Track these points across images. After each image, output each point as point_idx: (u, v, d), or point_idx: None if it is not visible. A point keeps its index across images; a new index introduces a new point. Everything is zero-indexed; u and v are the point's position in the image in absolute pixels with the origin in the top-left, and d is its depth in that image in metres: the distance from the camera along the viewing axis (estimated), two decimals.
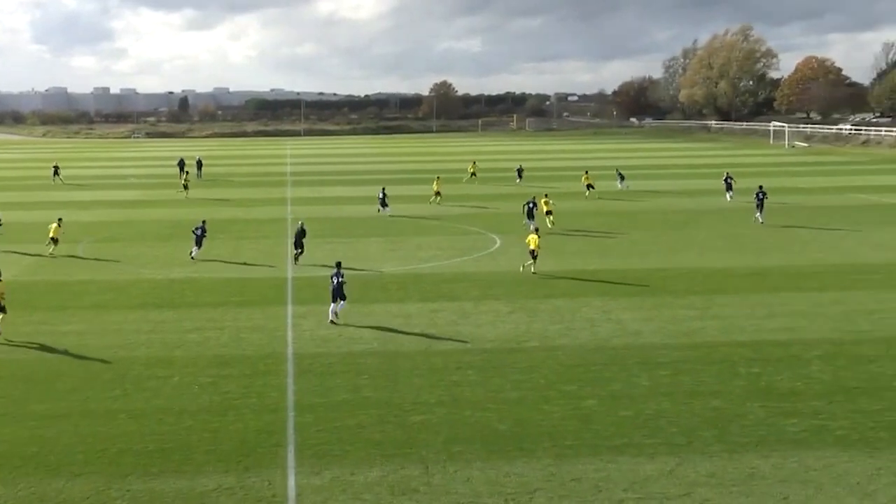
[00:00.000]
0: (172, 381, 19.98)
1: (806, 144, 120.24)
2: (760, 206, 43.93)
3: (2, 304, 23.94)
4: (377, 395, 18.82)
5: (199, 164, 76.78)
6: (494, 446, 16.04)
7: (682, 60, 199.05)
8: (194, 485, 14.69)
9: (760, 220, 43.49)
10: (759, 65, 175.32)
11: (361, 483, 14.62)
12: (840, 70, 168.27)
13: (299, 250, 34.54)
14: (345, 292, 25.09)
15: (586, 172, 58.37)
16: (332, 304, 25.10)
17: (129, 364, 21.30)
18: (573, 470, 15.03)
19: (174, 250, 37.54)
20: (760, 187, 45.54)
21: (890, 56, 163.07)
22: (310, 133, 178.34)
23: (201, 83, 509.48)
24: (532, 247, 31.52)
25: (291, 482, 14.71)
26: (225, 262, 35.01)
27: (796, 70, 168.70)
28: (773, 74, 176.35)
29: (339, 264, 26.14)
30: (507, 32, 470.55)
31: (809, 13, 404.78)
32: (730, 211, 49.12)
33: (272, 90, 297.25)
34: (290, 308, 26.96)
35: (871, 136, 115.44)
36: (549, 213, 43.02)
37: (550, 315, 25.53)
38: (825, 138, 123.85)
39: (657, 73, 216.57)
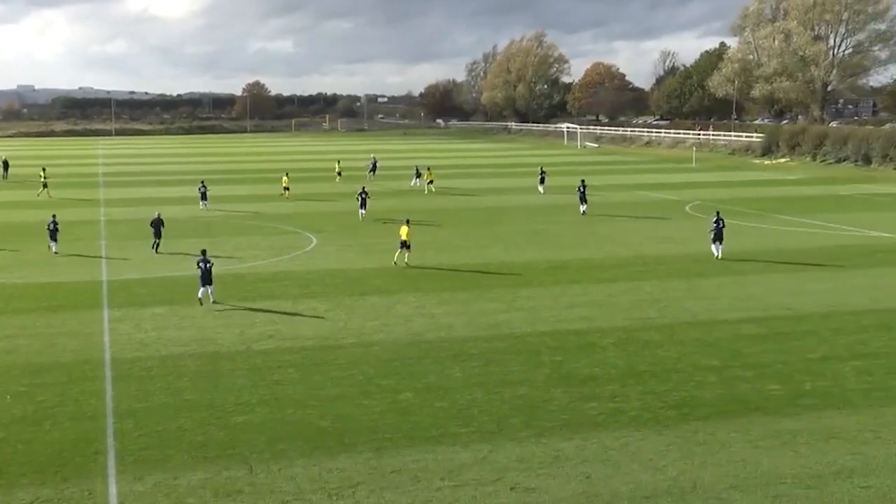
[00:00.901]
0: None
1: (596, 145, 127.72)
2: (583, 198, 48.81)
3: None
4: (198, 398, 18.64)
5: (6, 165, 72.04)
6: (317, 443, 16.23)
7: (483, 64, 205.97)
8: (9, 499, 14.08)
9: (583, 211, 48.45)
10: (553, 69, 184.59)
11: (185, 487, 14.48)
12: (624, 76, 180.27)
13: (158, 240, 36.28)
14: (212, 277, 26.92)
15: (428, 169, 62.98)
16: (202, 289, 26.81)
17: None
18: (393, 462, 15.42)
19: None
20: (582, 181, 50.33)
21: (666, 63, 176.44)
22: (122, 133, 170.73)
23: (4, 80, 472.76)
24: (403, 237, 33.09)
25: (112, 490, 14.38)
26: (36, 265, 33.29)
27: (585, 75, 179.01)
28: (566, 79, 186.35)
29: (204, 251, 27.65)
30: (319, 34, 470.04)
31: (597, 22, 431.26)
32: (531, 208, 51.70)
33: (81, 88, 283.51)
34: (106, 312, 26.07)
35: (653, 138, 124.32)
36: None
37: (367, 312, 26.10)
38: (613, 139, 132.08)
39: (462, 76, 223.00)
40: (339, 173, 69.22)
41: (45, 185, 58.51)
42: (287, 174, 59.40)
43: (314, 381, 19.81)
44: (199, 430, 16.85)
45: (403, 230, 33.44)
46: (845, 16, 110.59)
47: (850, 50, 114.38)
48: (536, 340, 23.07)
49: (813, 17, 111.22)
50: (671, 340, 23.15)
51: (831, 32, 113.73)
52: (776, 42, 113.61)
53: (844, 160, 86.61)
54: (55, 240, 35.75)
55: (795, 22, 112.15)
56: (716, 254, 35.06)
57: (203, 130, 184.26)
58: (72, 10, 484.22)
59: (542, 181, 60.62)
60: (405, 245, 33.17)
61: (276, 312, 25.97)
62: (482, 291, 28.95)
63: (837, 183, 69.85)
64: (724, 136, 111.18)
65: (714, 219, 35.82)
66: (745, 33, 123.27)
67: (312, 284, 30.03)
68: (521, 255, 36.03)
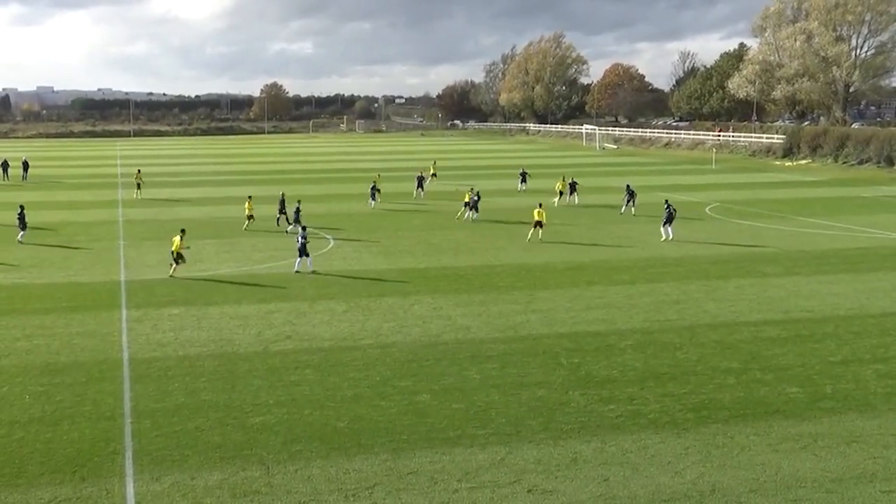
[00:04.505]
0: (1, 392, 19.04)
1: (615, 146, 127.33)
2: (632, 200, 49.79)
3: (181, 253, 31.06)
4: (216, 398, 18.70)
5: (25, 166, 72.85)
6: (334, 444, 16.24)
7: (501, 65, 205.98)
8: (28, 498, 14.17)
9: (632, 212, 49.24)
10: (571, 70, 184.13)
11: (202, 487, 14.53)
12: (643, 77, 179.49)
13: (283, 215, 43.55)
14: (307, 250, 31.91)
15: (563, 178, 57.09)
16: (298, 260, 31.92)
17: None
18: (410, 463, 15.41)
19: None
20: (628, 186, 51.09)
21: (686, 64, 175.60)
22: (140, 134, 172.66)
23: (24, 81, 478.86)
24: (537, 218, 39.01)
25: (130, 490, 14.44)
26: (55, 266, 33.55)
27: (604, 76, 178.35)
28: (584, 80, 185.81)
29: (304, 227, 33.46)
30: (339, 36, 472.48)
31: (621, 23, 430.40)
32: (549, 209, 51.30)
33: (100, 90, 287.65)
34: (124, 312, 26.19)
35: (673, 139, 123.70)
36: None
37: (384, 313, 26.11)
38: (632, 141, 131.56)
39: (481, 77, 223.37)
40: (434, 174, 68.38)
41: (139, 186, 58.88)
42: (379, 175, 60.11)
43: (331, 382, 19.82)
44: (216, 431, 16.90)
45: (537, 212, 39.04)
46: (867, 17, 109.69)
47: (873, 51, 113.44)
48: (554, 342, 22.99)
49: (834, 17, 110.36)
50: (690, 342, 23.02)
51: (853, 33, 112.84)
52: (797, 43, 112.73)
53: (867, 162, 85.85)
54: (298, 221, 40.31)
55: (817, 22, 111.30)
56: (665, 236, 39.38)
57: (221, 131, 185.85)
58: (96, 12, 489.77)
59: (523, 180, 62.86)
60: (539, 224, 38.80)
61: (293, 313, 26.02)
62: (499, 293, 28.90)
63: (859, 185, 69.25)
64: (745, 137, 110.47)
65: (665, 206, 40.28)
66: (766, 34, 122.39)
67: (330, 285, 30.07)
68: (538, 256, 35.92)
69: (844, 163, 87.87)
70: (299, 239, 31.90)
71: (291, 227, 40.98)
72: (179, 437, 16.63)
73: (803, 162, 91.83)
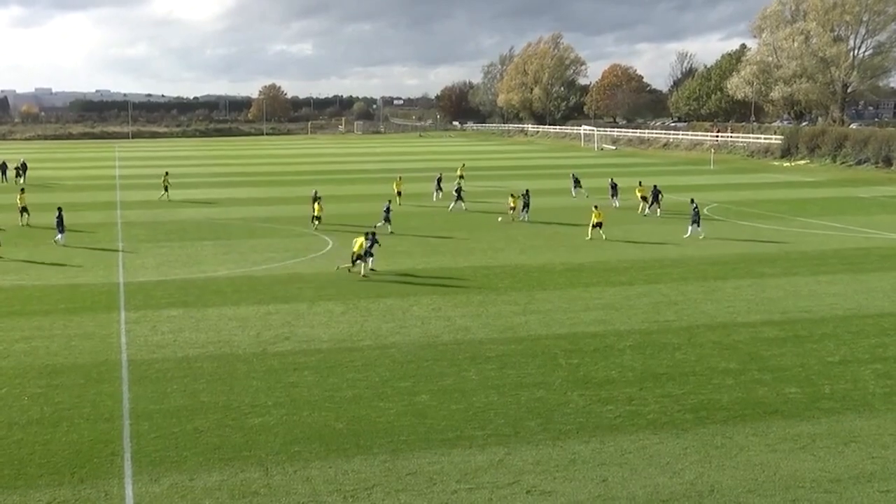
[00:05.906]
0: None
1: (613, 147, 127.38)
2: (656, 200, 49.29)
3: (360, 255, 31.36)
4: (214, 400, 18.70)
5: (24, 168, 72.73)
6: (333, 445, 16.24)
7: (499, 66, 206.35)
8: (27, 500, 14.16)
9: (646, 213, 49.32)
10: (570, 71, 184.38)
11: (201, 488, 14.52)
12: (642, 77, 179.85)
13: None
14: (372, 251, 31.91)
15: (640, 183, 53.62)
16: (367, 260, 31.83)
17: None
18: (408, 464, 15.40)
19: None
20: (655, 187, 50.15)
21: (685, 65, 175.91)
22: (138, 135, 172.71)
23: (22, 83, 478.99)
24: (597, 220, 40.16)
25: (129, 491, 14.43)
26: (53, 267, 33.50)
27: (602, 77, 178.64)
28: (583, 81, 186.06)
29: (372, 227, 35.18)
30: (340, 37, 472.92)
31: (622, 24, 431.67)
32: (547, 210, 51.49)
33: (98, 91, 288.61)
34: (122, 314, 26.17)
35: (671, 140, 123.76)
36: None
37: (383, 314, 26.11)
38: (630, 141, 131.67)
39: (479, 78, 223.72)
40: (462, 176, 66.26)
41: (166, 189, 57.89)
42: (400, 177, 59.21)
43: (330, 383, 19.82)
44: (214, 432, 16.89)
45: (595, 213, 40.28)
46: (865, 17, 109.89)
47: (871, 51, 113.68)
48: (552, 343, 23.00)
49: (832, 18, 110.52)
50: (689, 343, 23.04)
51: (851, 34, 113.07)
52: (795, 43, 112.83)
53: (865, 162, 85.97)
54: (389, 221, 42.23)
55: (815, 23, 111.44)
56: (692, 234, 40.53)
57: (219, 133, 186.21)
58: (96, 14, 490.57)
59: (576, 184, 60.56)
60: (599, 225, 39.98)
61: (291, 314, 26.02)
62: (497, 294, 28.91)
63: (857, 185, 69.33)
64: (743, 137, 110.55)
65: (693, 207, 41.48)
66: (765, 35, 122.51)
67: (328, 286, 30.08)
68: (536, 257, 35.94)
69: (842, 163, 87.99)
70: (367, 241, 31.95)
71: (382, 224, 41.87)
72: (178, 438, 16.62)
73: (801, 162, 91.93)
